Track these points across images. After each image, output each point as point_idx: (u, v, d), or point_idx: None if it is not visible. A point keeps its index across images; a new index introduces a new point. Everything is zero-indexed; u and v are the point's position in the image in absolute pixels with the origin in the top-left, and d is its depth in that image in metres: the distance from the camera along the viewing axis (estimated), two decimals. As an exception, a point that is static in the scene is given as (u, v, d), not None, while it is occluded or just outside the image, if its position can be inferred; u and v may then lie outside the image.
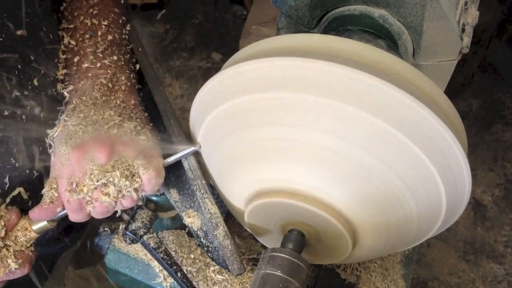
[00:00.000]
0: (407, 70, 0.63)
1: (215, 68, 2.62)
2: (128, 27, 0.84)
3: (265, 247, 0.80)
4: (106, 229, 0.91)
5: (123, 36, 0.82)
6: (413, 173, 0.64)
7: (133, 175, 0.70)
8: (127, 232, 0.76)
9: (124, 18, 0.83)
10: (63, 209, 0.73)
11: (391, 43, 0.78)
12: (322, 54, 0.62)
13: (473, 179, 0.68)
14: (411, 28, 0.76)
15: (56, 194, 0.72)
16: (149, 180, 0.71)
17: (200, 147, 0.76)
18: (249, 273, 0.83)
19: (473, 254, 2.08)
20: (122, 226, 0.89)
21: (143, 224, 0.77)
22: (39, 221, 0.75)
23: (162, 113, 0.83)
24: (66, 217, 0.74)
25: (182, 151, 0.76)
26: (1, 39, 0.67)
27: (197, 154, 0.79)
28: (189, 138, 0.80)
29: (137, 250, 0.87)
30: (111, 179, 0.69)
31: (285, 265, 0.67)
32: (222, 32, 2.85)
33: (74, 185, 0.69)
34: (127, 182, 0.70)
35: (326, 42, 0.64)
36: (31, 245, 0.76)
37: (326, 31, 0.81)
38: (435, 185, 0.66)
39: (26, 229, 0.75)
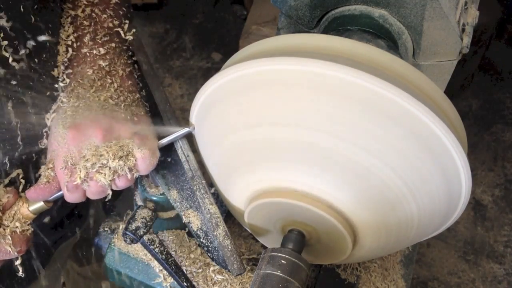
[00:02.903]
0: (407, 70, 0.63)
1: (215, 68, 2.62)
2: (128, 19, 0.85)
3: (265, 247, 0.79)
4: (106, 229, 0.91)
5: (123, 25, 0.83)
6: (413, 172, 0.64)
7: (127, 155, 0.72)
8: (127, 232, 0.76)
9: (124, 8, 0.85)
10: (60, 189, 0.74)
11: (391, 43, 0.78)
12: (322, 54, 0.62)
13: (473, 179, 0.68)
14: (411, 28, 0.76)
15: (52, 174, 0.73)
16: (143, 159, 0.72)
17: (194, 128, 0.77)
18: (249, 273, 0.83)
19: (473, 254, 2.08)
20: (122, 226, 0.89)
21: (143, 224, 0.77)
22: (35, 202, 0.75)
23: (162, 113, 0.83)
24: (62, 207, 0.74)
25: (176, 133, 0.77)
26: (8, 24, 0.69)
27: (198, 154, 0.79)
28: (189, 138, 0.80)
29: (137, 250, 0.87)
30: (104, 162, 0.70)
31: (285, 265, 0.67)
32: (222, 32, 2.85)
33: (69, 164, 0.71)
34: (121, 162, 0.71)
35: (326, 42, 0.64)
36: (28, 226, 0.77)
37: (326, 31, 0.81)
38: (435, 185, 0.66)
39: (23, 209, 0.75)
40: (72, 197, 0.74)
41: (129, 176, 0.73)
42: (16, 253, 0.75)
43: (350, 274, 0.90)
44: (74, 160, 0.71)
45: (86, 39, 0.79)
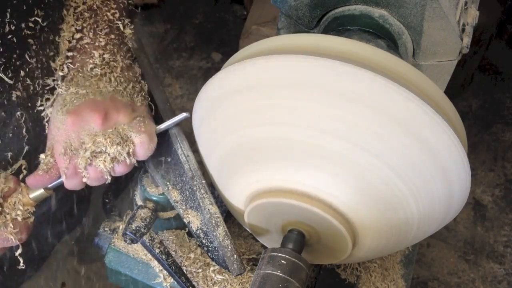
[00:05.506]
0: (407, 70, 0.63)
1: (215, 68, 2.61)
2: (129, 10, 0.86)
3: (265, 247, 0.79)
4: (106, 229, 0.91)
5: (122, 18, 0.84)
6: (413, 172, 0.64)
7: (126, 140, 0.73)
8: (127, 232, 0.76)
9: (125, 1, 0.85)
10: (59, 176, 0.74)
11: (391, 43, 0.78)
12: (322, 54, 0.62)
13: (473, 179, 0.68)
14: (411, 28, 0.76)
15: (52, 161, 0.74)
16: (141, 144, 0.73)
17: (189, 115, 0.78)
18: (249, 273, 0.83)
19: (473, 254, 2.08)
20: (122, 226, 0.89)
21: (143, 224, 0.77)
22: (36, 189, 0.76)
23: (162, 113, 0.83)
24: (63, 202, 0.74)
25: (173, 118, 0.78)
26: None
27: (198, 154, 0.79)
28: (190, 138, 0.80)
29: (137, 250, 0.87)
30: (103, 149, 0.71)
31: (285, 265, 0.67)
32: (222, 32, 2.85)
33: (68, 150, 0.71)
34: (120, 148, 0.72)
35: (326, 42, 0.64)
36: (29, 214, 0.77)
37: (326, 31, 0.82)
38: (435, 185, 0.66)
39: (23, 197, 0.76)
40: (71, 184, 0.74)
41: (128, 161, 0.74)
42: (17, 241, 0.75)
43: (350, 274, 0.90)
44: (73, 146, 0.72)
45: (86, 30, 0.80)
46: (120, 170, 0.74)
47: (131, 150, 0.73)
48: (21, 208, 0.76)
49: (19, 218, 0.75)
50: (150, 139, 0.75)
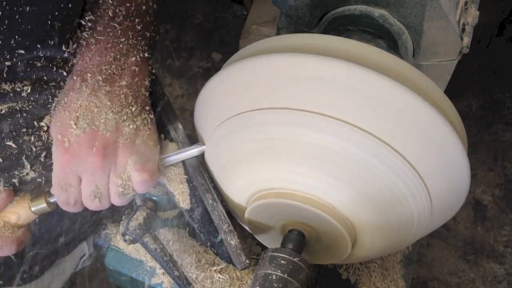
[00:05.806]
0: (407, 70, 0.63)
1: (215, 68, 2.61)
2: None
3: (265, 248, 0.79)
4: (106, 229, 0.91)
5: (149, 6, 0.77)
6: (413, 172, 0.64)
7: (125, 179, 0.70)
8: (127, 232, 0.76)
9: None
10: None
11: (391, 43, 0.78)
12: (322, 54, 0.62)
13: (473, 179, 0.68)
14: (411, 28, 0.76)
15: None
16: (141, 183, 0.70)
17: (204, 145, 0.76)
18: (250, 274, 0.83)
19: (473, 254, 2.08)
20: (122, 226, 0.89)
21: (143, 224, 0.77)
22: (39, 202, 0.74)
23: (162, 113, 0.83)
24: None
25: (187, 151, 0.76)
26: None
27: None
28: (191, 138, 0.80)
29: (137, 250, 0.87)
30: (100, 186, 0.69)
31: (285, 265, 0.67)
32: (222, 32, 2.85)
33: (63, 184, 0.69)
34: (118, 185, 0.70)
35: (326, 42, 0.64)
36: (16, 228, 0.75)
37: (326, 31, 0.82)
38: (435, 184, 0.66)
39: (25, 209, 0.74)
40: (67, 209, 0.73)
41: (126, 198, 0.72)
42: (6, 252, 0.74)
43: (353, 274, 0.90)
44: (69, 182, 0.69)
45: (99, 25, 0.73)
46: (118, 204, 0.72)
47: (130, 188, 0.71)
48: (8, 223, 0.73)
49: (7, 234, 0.73)
50: (150, 177, 0.70)
